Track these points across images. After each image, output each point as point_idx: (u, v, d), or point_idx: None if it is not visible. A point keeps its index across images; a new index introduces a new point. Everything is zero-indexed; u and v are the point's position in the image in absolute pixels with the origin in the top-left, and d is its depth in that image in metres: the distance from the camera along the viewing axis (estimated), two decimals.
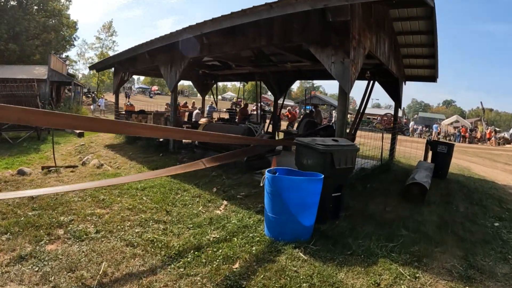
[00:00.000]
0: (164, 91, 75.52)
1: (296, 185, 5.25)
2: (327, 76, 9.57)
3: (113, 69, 18.46)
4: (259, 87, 17.72)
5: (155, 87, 78.75)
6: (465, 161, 18.63)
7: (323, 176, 5.45)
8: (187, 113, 22.17)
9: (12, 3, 41.30)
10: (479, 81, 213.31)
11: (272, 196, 5.35)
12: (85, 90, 49.92)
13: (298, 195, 5.23)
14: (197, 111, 20.79)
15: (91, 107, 36.99)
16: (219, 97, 20.84)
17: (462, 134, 40.88)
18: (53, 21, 46.06)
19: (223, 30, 8.33)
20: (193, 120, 18.52)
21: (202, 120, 18.35)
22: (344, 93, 7.06)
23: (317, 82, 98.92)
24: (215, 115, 22.18)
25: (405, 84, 14.18)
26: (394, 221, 6.58)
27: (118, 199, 6.97)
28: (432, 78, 13.90)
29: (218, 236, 5.38)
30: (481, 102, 48.95)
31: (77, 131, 18.27)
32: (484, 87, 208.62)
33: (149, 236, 5.22)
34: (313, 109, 18.11)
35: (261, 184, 5.57)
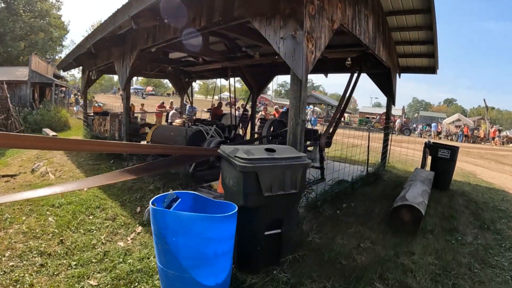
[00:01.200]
0: (159, 91, 73.15)
1: (185, 225, 3.10)
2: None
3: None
4: (232, 84, 15.31)
5: (149, 88, 76.49)
6: (470, 164, 16.38)
7: (236, 209, 3.34)
8: (164, 114, 20.82)
9: None
10: (480, 80, 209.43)
11: (156, 239, 3.30)
12: (76, 91, 47.98)
13: (191, 242, 3.11)
14: (173, 111, 19.22)
15: (74, 108, 35.68)
16: (216, 97, 18.30)
17: (464, 133, 38.12)
18: (41, 21, 43.91)
19: (156, 12, 6.36)
20: (169, 121, 17.23)
21: (177, 121, 16.46)
22: (297, 81, 4.82)
23: (317, 81, 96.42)
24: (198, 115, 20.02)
25: (399, 77, 11.99)
26: (369, 267, 4.39)
27: (24, 218, 5.78)
28: (432, 69, 11.66)
29: (96, 284, 3.84)
30: (484, 100, 45.97)
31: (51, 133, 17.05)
32: (486, 86, 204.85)
33: (16, 275, 4.00)
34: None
35: (144, 219, 3.48)
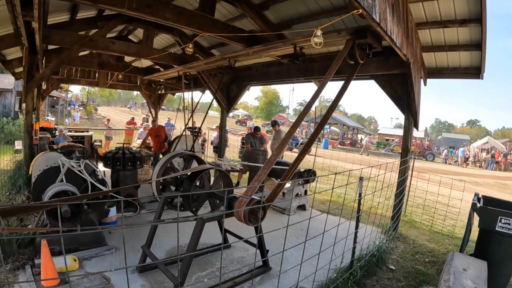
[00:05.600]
0: (170, 106, 68.40)
1: None
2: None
3: None
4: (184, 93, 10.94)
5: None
6: None
7: None
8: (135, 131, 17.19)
9: None
10: (502, 99, 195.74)
11: None
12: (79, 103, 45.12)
13: None
14: (141, 130, 15.70)
15: (66, 120, 33.81)
16: (230, 114, 13.76)
17: (496, 159, 32.15)
18: None
19: None
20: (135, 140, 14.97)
21: (137, 143, 12.19)
22: None
23: (341, 103, 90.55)
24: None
25: (425, 85, 7.36)
26: None
27: None
28: (476, 71, 6.90)
29: None
30: None
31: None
32: (508, 105, 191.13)
33: None
34: (258, 127, 11.07)
35: None
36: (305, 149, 4.10)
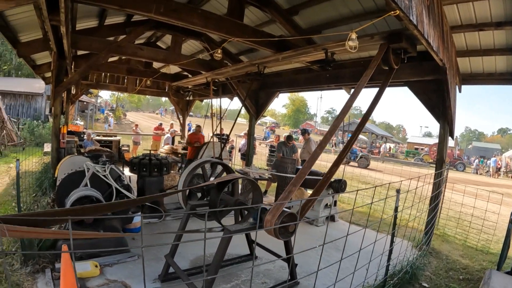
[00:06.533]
0: (198, 112, 68.77)
1: None
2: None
3: None
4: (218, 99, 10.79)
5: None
6: None
7: None
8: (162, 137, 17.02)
9: None
10: None
11: None
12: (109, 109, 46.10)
13: None
14: (167, 135, 15.71)
15: (105, 126, 34.31)
16: (257, 121, 13.66)
17: None
18: None
19: None
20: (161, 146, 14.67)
21: (164, 149, 12.18)
22: None
23: (364, 109, 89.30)
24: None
25: (460, 91, 7.05)
26: None
27: None
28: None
29: None
30: None
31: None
32: None
33: None
34: (290, 136, 10.65)
35: None
36: (339, 160, 3.89)
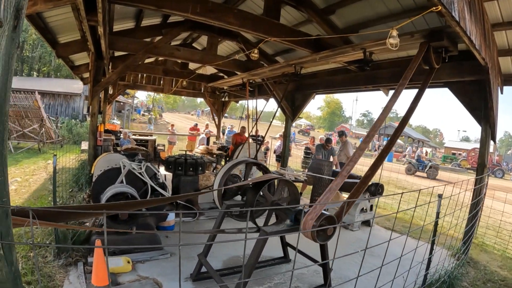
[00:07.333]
0: (233, 114, 69.06)
1: None
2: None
3: None
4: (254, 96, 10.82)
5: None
6: None
7: None
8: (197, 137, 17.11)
9: None
10: None
11: None
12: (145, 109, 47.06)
13: None
14: (202, 135, 16.02)
15: (148, 126, 35.29)
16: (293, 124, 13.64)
17: None
18: None
19: None
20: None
21: (199, 149, 12.30)
22: None
23: (402, 112, 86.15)
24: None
25: (501, 92, 6.76)
26: None
27: None
28: None
29: None
30: None
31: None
32: None
33: None
34: (329, 139, 10.45)
35: None
36: (377, 164, 3.76)
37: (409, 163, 24.37)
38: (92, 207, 3.28)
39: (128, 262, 4.51)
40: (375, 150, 28.16)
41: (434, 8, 3.39)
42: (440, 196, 3.95)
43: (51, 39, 7.48)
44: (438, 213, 3.91)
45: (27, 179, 9.23)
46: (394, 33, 4.02)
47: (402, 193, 2.58)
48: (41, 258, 4.35)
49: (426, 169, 23.03)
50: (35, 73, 41.76)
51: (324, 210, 3.16)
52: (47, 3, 4.29)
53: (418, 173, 23.27)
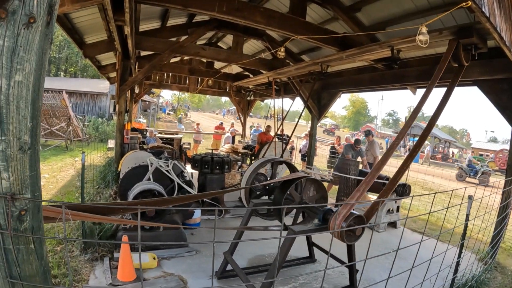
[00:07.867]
0: (258, 113, 69.00)
1: None
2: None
3: None
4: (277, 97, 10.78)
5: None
6: None
7: None
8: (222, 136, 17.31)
9: None
10: None
11: None
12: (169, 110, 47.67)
13: None
14: (227, 134, 16.10)
15: (178, 125, 35.02)
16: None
17: None
18: None
19: None
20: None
21: (225, 148, 12.36)
22: None
23: (427, 112, 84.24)
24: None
25: None
26: None
27: None
28: None
29: None
30: None
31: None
32: None
33: None
34: (358, 139, 10.46)
35: None
36: (406, 164, 3.70)
37: (460, 169, 22.33)
38: (125, 203, 3.34)
39: (154, 258, 4.57)
40: (406, 152, 27.52)
41: (464, 3, 3.32)
42: (470, 197, 3.84)
43: (78, 39, 7.65)
44: (467, 215, 3.80)
45: (55, 176, 9.49)
46: (424, 29, 3.94)
47: (435, 193, 2.52)
48: (68, 252, 4.46)
49: (478, 176, 20.62)
50: (62, 73, 42.80)
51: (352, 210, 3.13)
52: (74, 4, 4.37)
53: (468, 179, 21.16)
